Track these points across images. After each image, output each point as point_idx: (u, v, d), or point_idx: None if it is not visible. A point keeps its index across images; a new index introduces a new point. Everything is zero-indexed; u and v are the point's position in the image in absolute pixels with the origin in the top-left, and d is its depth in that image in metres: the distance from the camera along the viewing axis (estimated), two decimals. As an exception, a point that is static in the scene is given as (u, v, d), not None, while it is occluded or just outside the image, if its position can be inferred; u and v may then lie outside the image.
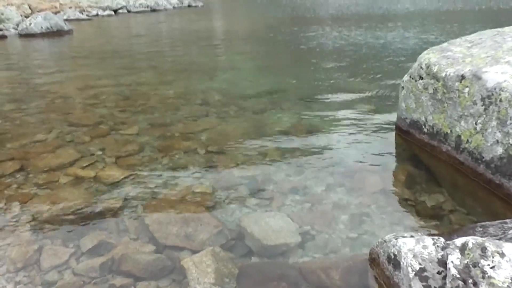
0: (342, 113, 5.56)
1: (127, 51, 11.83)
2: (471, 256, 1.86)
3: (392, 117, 5.07)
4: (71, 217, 3.17)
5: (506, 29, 4.11)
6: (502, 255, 1.80)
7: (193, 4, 38.10)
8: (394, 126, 4.80)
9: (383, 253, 2.30)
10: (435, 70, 3.88)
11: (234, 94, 6.77)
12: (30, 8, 23.26)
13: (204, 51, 11.94)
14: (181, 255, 2.70)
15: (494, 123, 3.26)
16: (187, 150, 4.40)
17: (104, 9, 27.75)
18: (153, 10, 31.25)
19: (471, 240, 1.97)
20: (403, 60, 9.40)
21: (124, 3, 30.04)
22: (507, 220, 2.60)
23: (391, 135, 4.69)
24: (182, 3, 37.25)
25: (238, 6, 38.67)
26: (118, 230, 3.00)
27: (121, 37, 15.63)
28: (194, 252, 2.70)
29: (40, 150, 4.43)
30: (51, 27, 15.95)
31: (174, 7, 34.51)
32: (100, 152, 4.38)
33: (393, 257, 2.18)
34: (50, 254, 2.71)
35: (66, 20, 19.40)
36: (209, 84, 7.59)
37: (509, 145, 3.12)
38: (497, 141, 3.23)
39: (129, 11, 29.51)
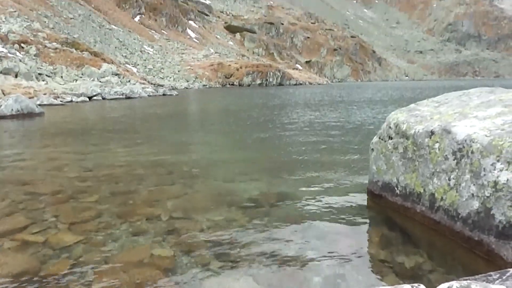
0: (312, 181, 5.42)
1: (96, 130, 11.69)
2: (456, 297, 1.63)
3: (364, 181, 4.94)
4: (9, 283, 2.81)
5: (471, 90, 4.15)
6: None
7: (168, 93, 38.90)
8: (366, 191, 4.65)
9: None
10: (404, 128, 3.83)
11: (203, 165, 6.60)
12: (3, 93, 23.27)
13: (175, 128, 11.93)
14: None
15: (467, 176, 3.14)
16: (149, 217, 4.12)
17: (79, 95, 27.98)
18: (128, 98, 31.67)
19: (455, 284, 1.76)
20: (369, 129, 9.52)
21: (99, 91, 30.42)
22: (492, 273, 2.40)
23: (363, 200, 4.53)
24: (157, 92, 38.01)
25: (212, 95, 39.72)
26: (61, 295, 2.65)
27: (92, 118, 15.58)
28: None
29: (-13, 218, 4.08)
30: (22, 109, 15.83)
31: (149, 95, 35.11)
32: (53, 219, 4.06)
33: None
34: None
35: (39, 105, 19.37)
36: (177, 156, 7.43)
37: (485, 197, 2.98)
38: (473, 194, 3.10)
39: (103, 98, 29.81)
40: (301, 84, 71.06)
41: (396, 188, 4.01)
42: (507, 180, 2.83)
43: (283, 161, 6.89)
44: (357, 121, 12.96)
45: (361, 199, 4.57)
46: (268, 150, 8.10)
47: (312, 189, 5.06)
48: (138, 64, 57.42)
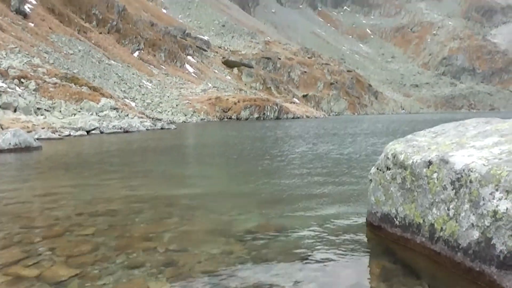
0: (311, 213, 5.38)
1: (94, 163, 11.67)
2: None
3: (363, 212, 4.91)
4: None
5: (467, 121, 4.18)
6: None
7: (166, 127, 39.06)
8: (365, 222, 4.62)
9: None
10: (402, 159, 3.83)
11: (201, 198, 6.57)
12: (1, 127, 23.34)
13: (173, 162, 11.93)
14: None
15: (467, 206, 3.13)
16: (146, 249, 4.07)
17: (77, 129, 28.07)
18: (126, 131, 31.77)
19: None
20: (367, 160, 9.51)
21: (97, 125, 30.54)
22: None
23: (363, 232, 4.49)
24: (155, 126, 38.15)
25: (210, 129, 39.88)
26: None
27: (89, 152, 15.57)
28: None
29: (-19, 251, 4.02)
30: (20, 143, 15.84)
31: (147, 129, 35.23)
32: (49, 252, 4.00)
33: None
34: None
35: (37, 139, 19.40)
36: (175, 189, 7.41)
37: (485, 227, 2.96)
38: (472, 224, 3.07)
39: (102, 132, 29.90)
40: (298, 117, 71.55)
41: (395, 219, 3.98)
42: (507, 209, 2.82)
43: (281, 193, 6.86)
44: (354, 153, 12.99)
45: (360, 230, 4.53)
46: (266, 182, 8.07)
47: (311, 221, 5.02)
48: (136, 99, 57.88)
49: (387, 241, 4.09)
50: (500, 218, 2.86)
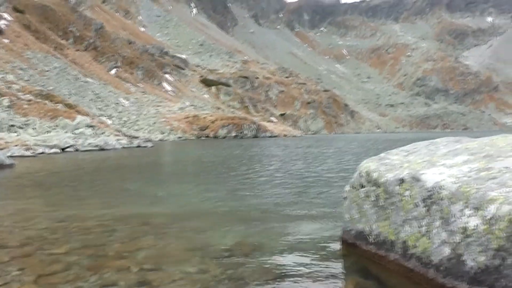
0: (287, 231, 5.39)
1: (67, 181, 11.49)
2: None
3: (337, 230, 4.95)
4: None
5: (438, 140, 4.28)
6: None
7: (143, 145, 38.74)
8: (340, 240, 4.65)
9: None
10: (375, 177, 3.89)
11: (176, 217, 6.52)
12: (-28, 145, 22.80)
13: (149, 180, 11.82)
14: None
15: (438, 223, 3.19)
16: (119, 268, 4.01)
17: (51, 147, 27.63)
18: (102, 149, 31.39)
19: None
20: (342, 178, 9.60)
21: (72, 142, 30.14)
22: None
23: (338, 249, 4.52)
24: (131, 143, 37.82)
25: (187, 147, 39.69)
26: None
27: (64, 170, 15.32)
28: None
29: (-52, 272, 3.90)
30: (-8, 161, 15.48)
31: (123, 147, 34.88)
32: (18, 272, 3.90)
33: None
34: None
35: (10, 156, 19.01)
36: (150, 208, 7.33)
37: (456, 243, 3.02)
38: (444, 241, 3.13)
39: (77, 150, 29.50)
40: (276, 136, 71.84)
41: (369, 237, 4.02)
42: (476, 225, 2.89)
43: (256, 211, 6.86)
44: (329, 171, 13.08)
45: (335, 248, 4.56)
46: (242, 200, 8.06)
47: (286, 238, 5.03)
48: (113, 116, 57.40)
49: (362, 259, 4.12)
50: (470, 235, 2.93)
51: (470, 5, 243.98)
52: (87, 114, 44.32)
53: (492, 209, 2.80)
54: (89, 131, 37.65)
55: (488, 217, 2.81)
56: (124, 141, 37.96)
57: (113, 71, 77.80)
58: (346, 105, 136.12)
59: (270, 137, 69.41)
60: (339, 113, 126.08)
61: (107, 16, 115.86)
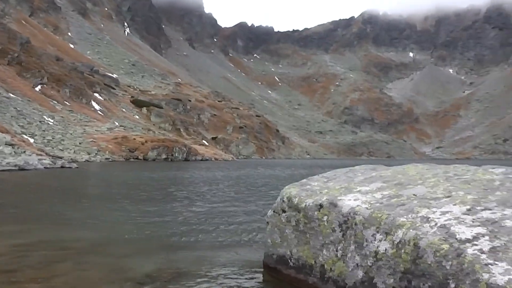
0: (209, 256, 5.38)
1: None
2: None
3: (260, 255, 5.00)
4: None
5: (357, 167, 4.49)
6: None
7: (67, 165, 37.08)
8: (262, 264, 4.70)
9: None
10: (296, 202, 4.00)
11: (97, 241, 6.30)
12: None
13: (70, 203, 11.32)
14: None
15: (352, 247, 3.33)
16: (31, 296, 3.81)
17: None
18: (22, 169, 29.68)
19: None
20: (266, 203, 9.72)
21: (-11, 161, 28.30)
22: None
23: (259, 274, 4.55)
24: (55, 164, 36.08)
25: (114, 169, 38.50)
26: None
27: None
28: None
29: None
30: None
31: (45, 167, 33.19)
32: None
33: None
34: None
35: None
36: (71, 232, 7.03)
37: (368, 267, 3.16)
38: (357, 264, 3.27)
39: (-7, 169, 27.69)
40: (207, 159, 71.51)
41: (290, 261, 4.11)
42: (386, 249, 3.04)
43: (179, 237, 6.77)
44: (255, 195, 13.20)
45: (257, 273, 4.60)
46: (165, 225, 7.93)
47: (209, 264, 5.01)
48: (36, 135, 54.66)
49: (283, 283, 4.19)
50: (380, 258, 3.08)
51: (394, 41, 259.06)
52: (7, 132, 41.93)
53: (400, 234, 2.97)
54: (8, 149, 35.52)
55: (396, 241, 2.98)
56: (47, 161, 36.15)
57: (38, 88, 74.48)
58: (277, 130, 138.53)
59: (201, 160, 68.99)
60: (270, 139, 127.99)
61: (34, 31, 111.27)
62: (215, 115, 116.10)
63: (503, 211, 2.89)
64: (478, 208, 2.99)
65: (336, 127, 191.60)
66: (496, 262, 2.36)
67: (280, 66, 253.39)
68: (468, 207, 3.03)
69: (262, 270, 4.63)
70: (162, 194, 14.14)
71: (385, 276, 3.02)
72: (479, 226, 2.75)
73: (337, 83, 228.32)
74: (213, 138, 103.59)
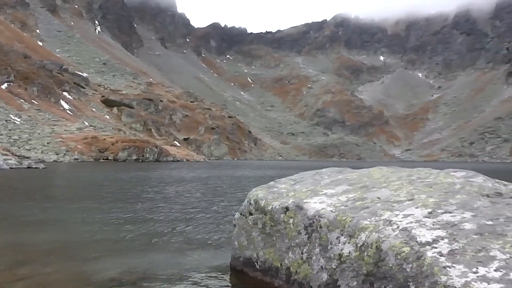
0: (176, 258, 5.34)
1: None
2: None
3: (227, 257, 4.99)
4: None
5: (324, 170, 4.53)
6: None
7: (34, 166, 36.24)
8: (229, 267, 4.69)
9: None
10: (262, 204, 4.01)
11: (62, 244, 6.17)
12: None
13: (36, 204, 11.06)
14: None
15: (317, 250, 3.35)
16: (-10, 301, 3.70)
17: None
18: (-15, 170, 28.87)
19: None
20: (234, 205, 9.72)
21: (-49, 161, 27.42)
22: None
23: (226, 276, 4.54)
24: (21, 164, 35.24)
25: (82, 169, 37.82)
26: None
27: None
28: None
29: None
30: None
31: (11, 168, 32.36)
32: None
33: None
34: None
35: None
36: (35, 235, 6.86)
37: (332, 269, 3.19)
38: (322, 267, 3.29)
39: (-44, 169, 26.88)
40: (178, 160, 70.98)
41: (256, 263, 4.11)
42: (349, 252, 3.08)
43: (146, 239, 6.70)
44: (223, 197, 13.18)
45: (224, 275, 4.58)
46: (132, 227, 7.82)
47: (175, 268, 4.96)
48: (2, 134, 53.30)
49: (249, 285, 4.18)
50: (344, 261, 3.11)
51: (365, 44, 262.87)
52: (-29, 131, 40.69)
53: (363, 236, 3.01)
54: (-28, 149, 34.50)
55: (360, 244, 3.02)
56: (13, 161, 35.29)
57: (4, 86, 72.57)
58: (249, 132, 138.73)
59: (172, 161, 68.46)
60: (242, 140, 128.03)
61: (0, 27, 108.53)
62: (187, 115, 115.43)
63: (462, 214, 2.96)
64: (439, 211, 3.05)
65: (308, 129, 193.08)
66: (454, 265, 2.42)
67: (253, 67, 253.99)
68: (430, 210, 3.09)
69: (229, 272, 4.62)
70: (130, 195, 13.97)
71: (349, 278, 3.05)
72: (439, 229, 2.81)
73: (309, 85, 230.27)
74: (185, 139, 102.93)
